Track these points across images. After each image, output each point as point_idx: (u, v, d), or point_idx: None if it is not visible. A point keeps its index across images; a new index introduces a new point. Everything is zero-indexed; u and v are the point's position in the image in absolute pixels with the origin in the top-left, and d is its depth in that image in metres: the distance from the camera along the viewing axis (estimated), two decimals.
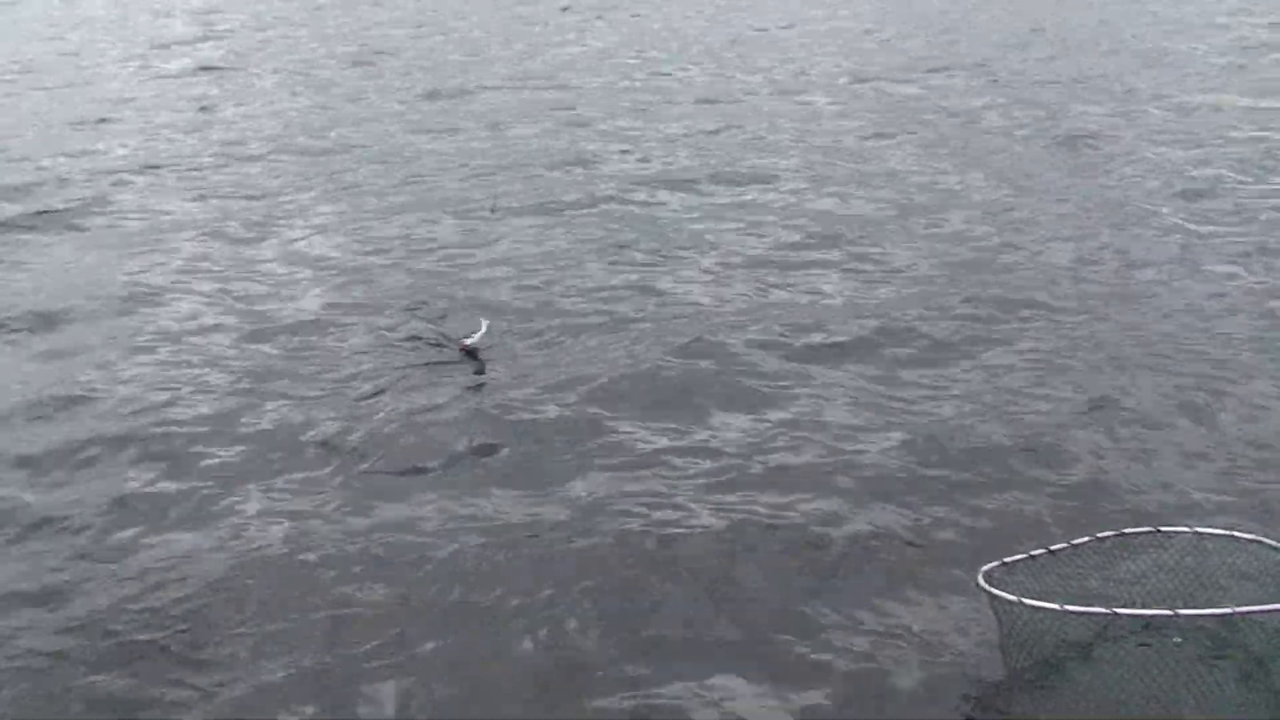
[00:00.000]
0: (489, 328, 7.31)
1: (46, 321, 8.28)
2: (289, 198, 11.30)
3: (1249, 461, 5.82)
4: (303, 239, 9.97)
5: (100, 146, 13.72)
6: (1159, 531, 4.67)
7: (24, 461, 6.29)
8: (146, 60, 19.92)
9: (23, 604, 5.05)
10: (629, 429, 6.35)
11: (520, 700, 4.38)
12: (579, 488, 5.76)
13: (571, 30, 22.20)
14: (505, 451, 6.15)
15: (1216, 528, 4.74)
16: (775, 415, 6.48)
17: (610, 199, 10.86)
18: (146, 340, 7.85)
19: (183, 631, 4.78)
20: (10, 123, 15.28)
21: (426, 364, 7.22)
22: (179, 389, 7.06)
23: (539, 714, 4.33)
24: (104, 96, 16.77)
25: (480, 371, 7.12)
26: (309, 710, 4.34)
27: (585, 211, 10.48)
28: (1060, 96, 14.52)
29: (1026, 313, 7.80)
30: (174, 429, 6.55)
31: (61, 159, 13.09)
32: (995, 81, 15.70)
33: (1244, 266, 8.48)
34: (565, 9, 24.70)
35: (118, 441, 6.43)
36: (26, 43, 22.04)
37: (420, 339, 7.60)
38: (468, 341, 7.21)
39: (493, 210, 10.40)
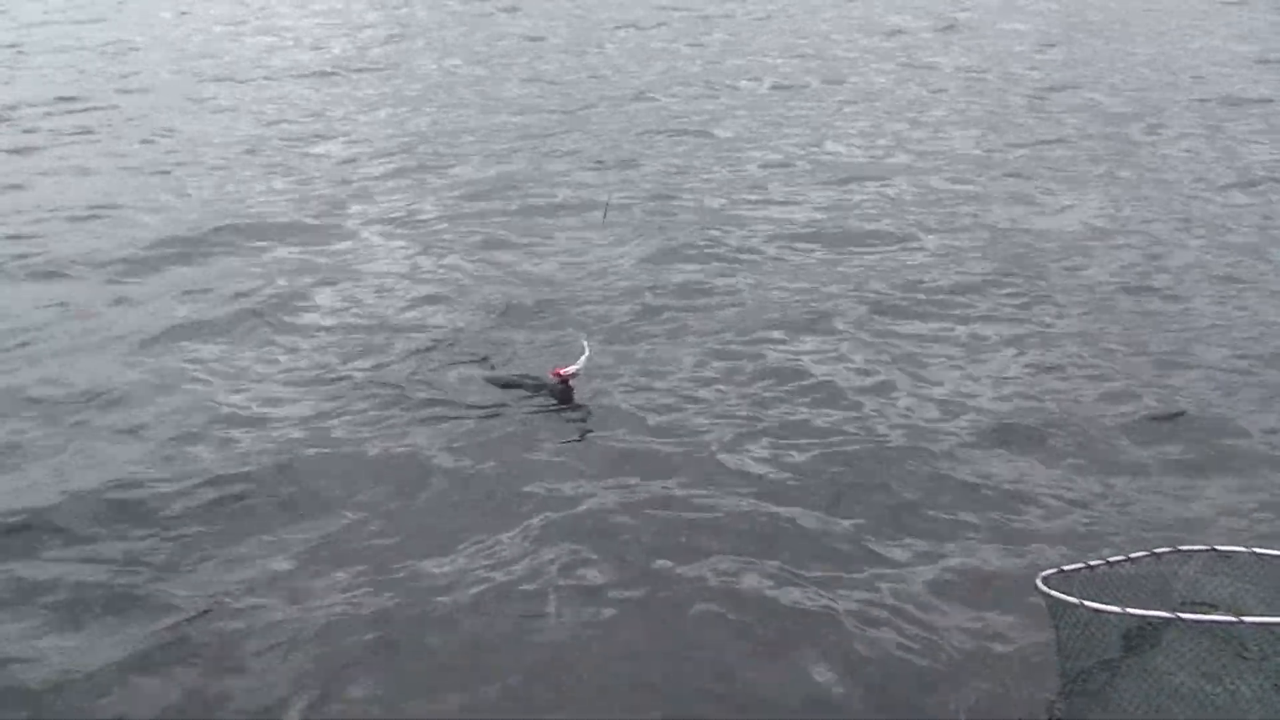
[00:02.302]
0: (590, 353, 7.24)
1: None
2: (385, 209, 11.45)
3: None
4: (400, 257, 10.17)
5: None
6: (1215, 550, 4.84)
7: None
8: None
9: None
10: (733, 454, 6.70)
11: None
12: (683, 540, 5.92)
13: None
14: (601, 489, 6.34)
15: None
16: (845, 422, 7.10)
17: (719, 213, 11.24)
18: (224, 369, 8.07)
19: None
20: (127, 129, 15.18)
21: (523, 397, 7.35)
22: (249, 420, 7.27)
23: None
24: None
25: (571, 402, 7.20)
26: None
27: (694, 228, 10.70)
28: None
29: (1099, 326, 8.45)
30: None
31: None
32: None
33: None
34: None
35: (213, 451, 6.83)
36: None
37: (515, 374, 7.70)
38: (566, 370, 7.15)
39: (605, 217, 10.48)
